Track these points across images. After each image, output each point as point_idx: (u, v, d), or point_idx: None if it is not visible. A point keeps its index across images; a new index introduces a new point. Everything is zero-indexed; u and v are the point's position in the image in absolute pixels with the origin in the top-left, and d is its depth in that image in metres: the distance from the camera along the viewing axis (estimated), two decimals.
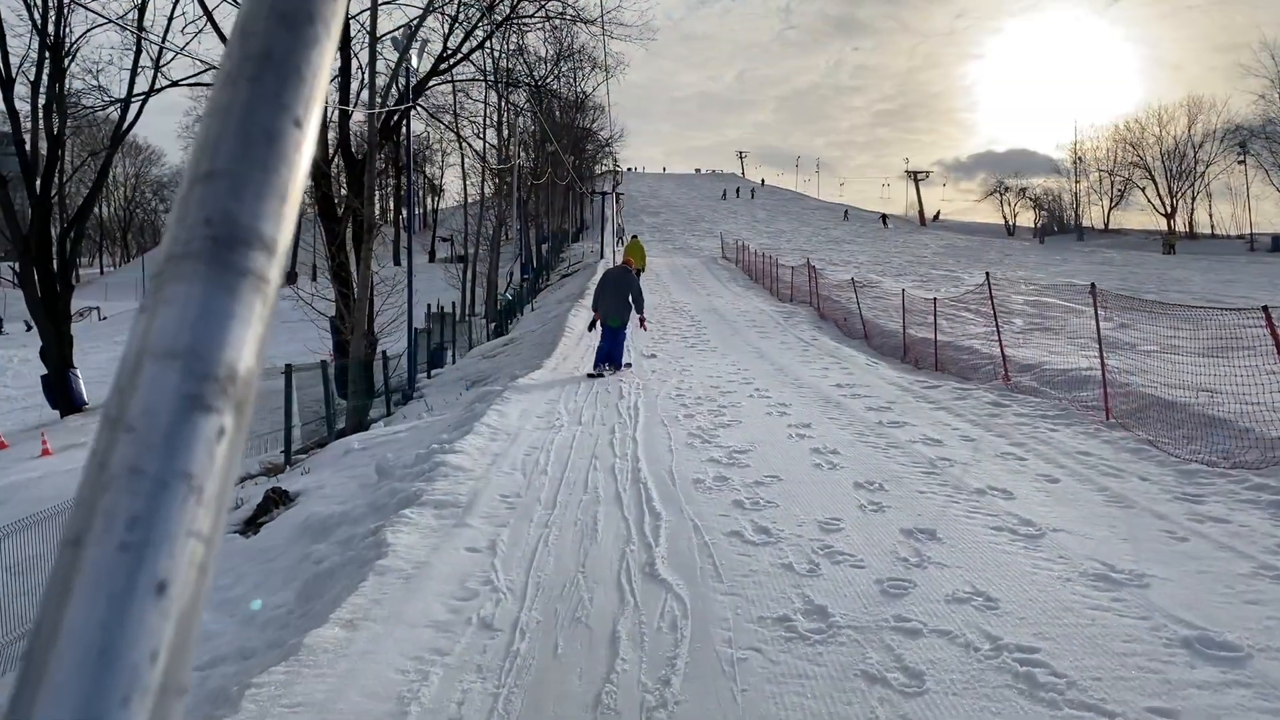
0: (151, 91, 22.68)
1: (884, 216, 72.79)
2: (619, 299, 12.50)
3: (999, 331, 11.01)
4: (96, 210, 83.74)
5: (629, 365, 13.07)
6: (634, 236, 29.84)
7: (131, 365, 0.40)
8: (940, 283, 29.61)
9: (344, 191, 20.71)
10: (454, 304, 28.21)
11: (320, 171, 20.53)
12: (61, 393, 23.00)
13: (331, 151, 21.22)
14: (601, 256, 42.51)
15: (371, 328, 18.32)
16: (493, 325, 29.19)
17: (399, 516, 5.60)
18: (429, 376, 19.87)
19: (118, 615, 0.35)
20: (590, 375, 12.02)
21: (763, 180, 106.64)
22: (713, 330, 18.97)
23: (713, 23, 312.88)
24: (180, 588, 0.37)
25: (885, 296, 23.36)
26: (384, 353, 17.68)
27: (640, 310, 12.67)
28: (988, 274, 11.33)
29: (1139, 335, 12.11)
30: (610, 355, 12.41)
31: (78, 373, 23.33)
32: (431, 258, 72.41)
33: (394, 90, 18.86)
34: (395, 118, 20.13)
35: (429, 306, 24.10)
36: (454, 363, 22.43)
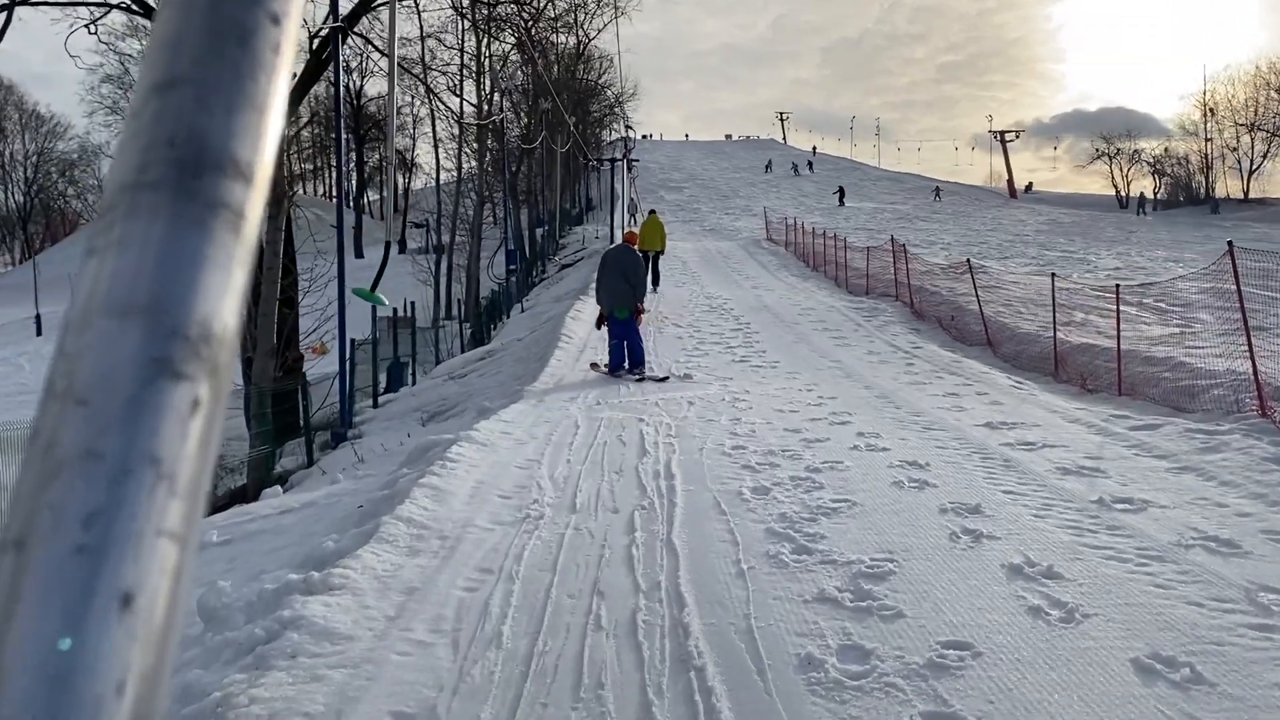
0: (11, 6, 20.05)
1: (938, 189, 70.17)
2: (621, 281, 12.13)
3: (1248, 334, 8.17)
4: None
5: (665, 379, 11.84)
6: (651, 212, 27.17)
7: (80, 324, 0.37)
8: (1063, 265, 26.69)
9: None
10: (413, 305, 25.53)
11: None
12: None
13: None
14: (612, 241, 39.86)
15: (290, 339, 15.63)
16: (469, 331, 26.48)
17: None
18: (375, 405, 17.18)
19: (75, 636, 0.33)
20: (601, 369, 12.17)
21: (814, 148, 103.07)
22: (768, 337, 16.17)
23: None
24: (150, 599, 0.34)
25: (999, 285, 20.57)
26: (304, 375, 14.99)
27: (640, 296, 12.27)
28: (1230, 243, 8.52)
29: None
30: (631, 352, 12.01)
31: None
32: (402, 248, 69.72)
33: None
34: (326, 48, 17.53)
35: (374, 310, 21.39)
36: (413, 384, 19.76)
